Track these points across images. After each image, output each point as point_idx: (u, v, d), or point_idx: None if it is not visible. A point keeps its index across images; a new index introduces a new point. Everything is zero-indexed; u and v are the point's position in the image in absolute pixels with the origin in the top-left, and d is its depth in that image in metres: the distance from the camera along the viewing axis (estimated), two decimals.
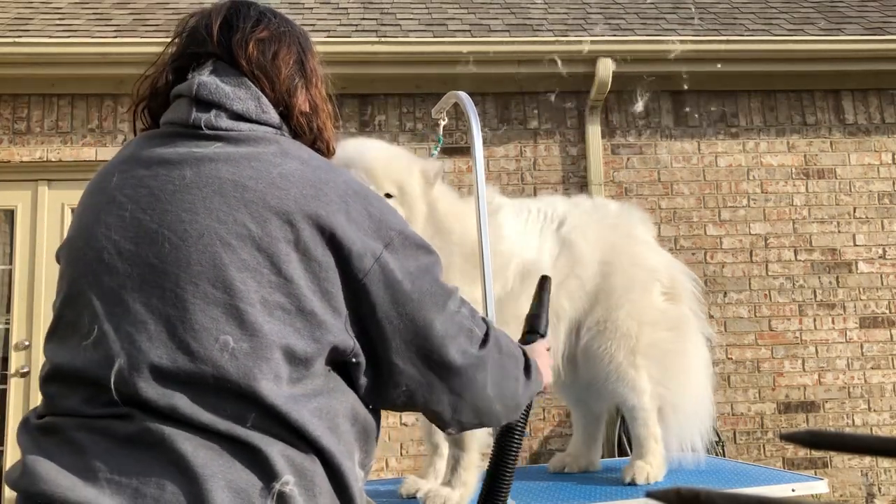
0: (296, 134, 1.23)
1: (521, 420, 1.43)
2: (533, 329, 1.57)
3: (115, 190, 1.12)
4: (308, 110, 1.24)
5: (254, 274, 1.03)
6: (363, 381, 1.13)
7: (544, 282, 1.66)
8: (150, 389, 0.99)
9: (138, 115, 1.25)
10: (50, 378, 1.09)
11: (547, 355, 1.53)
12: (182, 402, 0.99)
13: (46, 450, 1.02)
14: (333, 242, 1.07)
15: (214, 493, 0.95)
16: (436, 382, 1.16)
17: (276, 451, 1.00)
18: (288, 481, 0.99)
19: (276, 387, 1.01)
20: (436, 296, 1.15)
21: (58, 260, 1.19)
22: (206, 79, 1.16)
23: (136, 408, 1.00)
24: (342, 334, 1.08)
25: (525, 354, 1.33)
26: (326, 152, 1.27)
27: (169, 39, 1.26)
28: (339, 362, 1.11)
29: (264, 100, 1.18)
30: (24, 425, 1.10)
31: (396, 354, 1.12)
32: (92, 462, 0.98)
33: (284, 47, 1.23)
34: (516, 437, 1.43)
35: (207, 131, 1.13)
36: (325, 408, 1.06)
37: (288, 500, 0.99)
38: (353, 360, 1.11)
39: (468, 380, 1.17)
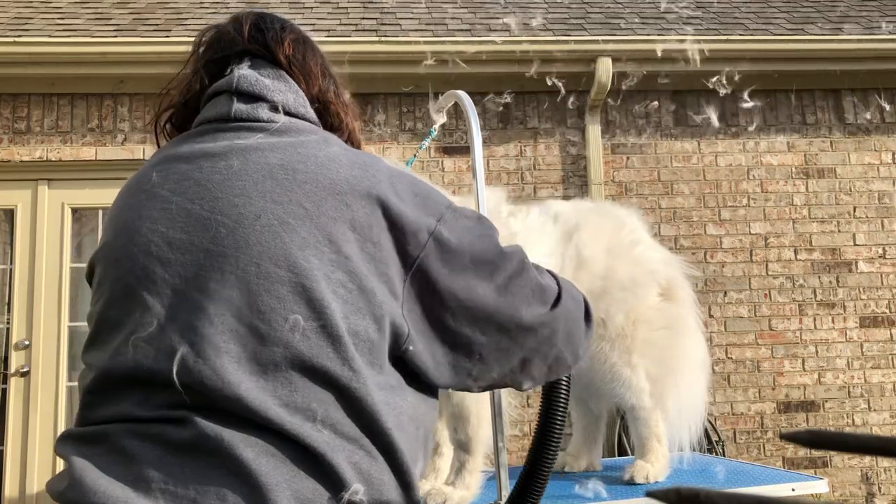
0: (331, 128, 1.23)
1: (567, 379, 1.39)
2: None
3: (155, 187, 1.06)
4: (341, 108, 1.26)
5: (315, 251, 0.98)
6: (430, 363, 1.07)
7: None
8: (216, 378, 0.92)
9: (161, 128, 1.23)
10: (96, 384, 1.01)
11: None
12: (250, 394, 0.92)
13: (91, 459, 0.94)
14: (387, 220, 1.04)
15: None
16: (510, 346, 1.13)
17: (343, 458, 0.94)
18: (357, 490, 0.94)
19: (347, 370, 0.97)
20: (498, 261, 1.12)
21: (92, 268, 1.11)
22: (245, 72, 1.16)
23: (193, 408, 0.93)
24: (399, 318, 1.03)
25: (584, 297, 1.30)
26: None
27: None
28: (397, 358, 1.06)
29: (301, 94, 1.19)
30: (65, 437, 1.02)
31: (465, 324, 1.08)
32: (144, 471, 0.91)
33: (310, 51, 1.25)
34: (563, 393, 1.38)
35: (250, 123, 1.11)
36: (392, 403, 1.01)
37: None
38: (410, 347, 1.05)
39: (542, 338, 1.16)
